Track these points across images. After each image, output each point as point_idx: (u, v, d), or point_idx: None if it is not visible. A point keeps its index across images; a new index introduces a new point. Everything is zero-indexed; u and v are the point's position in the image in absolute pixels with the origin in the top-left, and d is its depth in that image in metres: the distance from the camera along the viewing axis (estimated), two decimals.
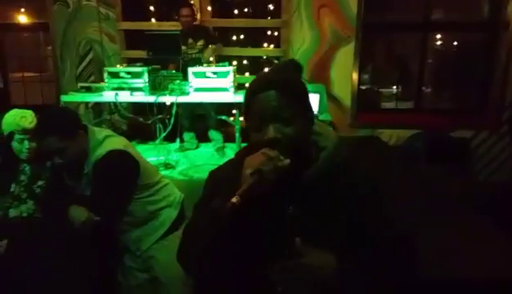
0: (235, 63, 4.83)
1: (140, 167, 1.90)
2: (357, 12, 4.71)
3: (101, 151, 1.82)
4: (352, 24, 4.75)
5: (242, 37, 4.98)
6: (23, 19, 5.78)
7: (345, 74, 4.81)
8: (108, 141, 1.87)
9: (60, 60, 5.11)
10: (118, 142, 1.90)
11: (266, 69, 4.98)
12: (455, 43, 5.35)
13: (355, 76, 4.81)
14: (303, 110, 1.01)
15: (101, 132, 1.91)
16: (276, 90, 0.98)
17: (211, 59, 4.47)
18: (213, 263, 1.01)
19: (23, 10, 5.73)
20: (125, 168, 1.85)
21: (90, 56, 5.05)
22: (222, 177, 1.10)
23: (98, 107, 4.79)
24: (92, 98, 4.06)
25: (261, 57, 4.92)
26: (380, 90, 5.41)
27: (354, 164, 1.10)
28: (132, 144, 2.09)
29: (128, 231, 2.02)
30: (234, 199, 0.86)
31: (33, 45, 6.17)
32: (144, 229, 2.02)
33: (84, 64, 5.07)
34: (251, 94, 1.02)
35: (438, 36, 5.19)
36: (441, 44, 5.29)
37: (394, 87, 5.33)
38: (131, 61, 4.65)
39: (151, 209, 2.01)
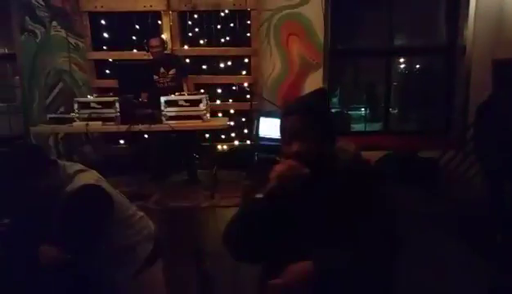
0: (202, 90, 4.86)
1: (113, 201, 1.87)
2: (324, 40, 4.88)
3: (72, 187, 1.78)
4: (320, 51, 4.91)
5: (213, 65, 5.04)
6: None
7: None
8: (79, 176, 1.84)
9: (28, 91, 5.01)
10: (89, 176, 1.87)
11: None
12: (418, 66, 5.60)
13: None
14: (322, 131, 1.24)
15: (71, 167, 1.87)
16: (300, 115, 1.23)
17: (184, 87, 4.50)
18: (248, 245, 1.26)
19: None
20: (98, 203, 1.81)
21: (59, 87, 4.98)
22: (260, 178, 1.32)
23: (69, 138, 4.70)
24: (62, 129, 3.98)
25: (232, 85, 4.99)
26: (349, 112, 5.57)
27: (369, 173, 1.31)
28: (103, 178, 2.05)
29: (102, 268, 1.96)
30: (259, 195, 1.18)
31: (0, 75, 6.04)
32: (119, 264, 1.97)
33: (53, 94, 5.00)
34: (283, 116, 1.28)
35: (402, 60, 5.42)
36: (404, 67, 5.53)
37: (363, 109, 5.50)
38: (102, 91, 4.62)
39: (126, 243, 1.96)
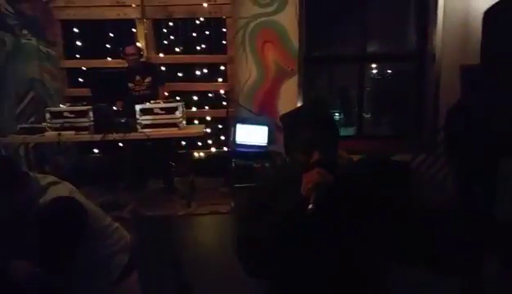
0: (177, 98, 4.84)
1: (87, 214, 1.85)
2: (298, 47, 4.95)
3: (45, 199, 1.75)
4: (295, 58, 4.97)
5: (189, 72, 5.03)
6: None
7: (291, 106, 4.95)
8: (52, 189, 1.80)
9: None
10: (62, 189, 1.83)
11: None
12: (390, 72, 5.73)
13: None
14: (334, 138, 1.31)
15: (44, 179, 1.84)
16: (320, 124, 1.28)
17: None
18: (279, 261, 1.25)
19: None
20: (72, 216, 1.78)
21: (30, 96, 4.87)
22: (271, 191, 1.36)
23: (40, 148, 4.58)
24: (33, 139, 3.88)
25: (209, 92, 4.99)
26: None
27: (361, 175, 1.41)
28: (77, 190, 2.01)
29: (77, 281, 1.92)
30: (310, 206, 1.15)
31: None
32: (94, 277, 1.94)
33: (24, 104, 4.87)
34: (298, 125, 1.29)
35: (374, 66, 5.55)
36: (377, 73, 5.65)
37: (337, 114, 5.58)
38: (75, 99, 4.54)
39: (101, 255, 1.94)
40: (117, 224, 2.09)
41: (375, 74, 5.62)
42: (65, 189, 1.84)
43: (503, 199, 3.90)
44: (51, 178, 1.88)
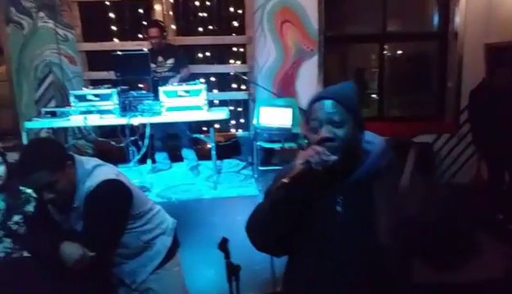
0: (202, 80, 4.80)
1: (133, 196, 1.84)
2: (318, 27, 4.86)
3: (93, 182, 1.73)
4: (315, 38, 4.88)
5: (208, 54, 4.96)
6: None
7: (310, 87, 4.90)
8: (98, 171, 1.79)
9: (16, 85, 4.84)
10: (109, 171, 1.82)
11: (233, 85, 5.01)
12: (412, 52, 5.61)
13: (319, 88, 4.92)
14: (351, 119, 1.22)
15: (89, 162, 1.83)
16: (332, 99, 1.22)
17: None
18: (270, 233, 1.26)
19: None
20: (119, 199, 1.78)
21: (49, 80, 4.83)
22: (285, 172, 1.31)
23: (61, 132, 4.56)
24: (60, 123, 3.86)
25: (228, 74, 4.93)
26: None
27: (397, 167, 1.28)
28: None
29: (122, 264, 1.93)
30: (285, 179, 1.16)
31: None
32: (139, 260, 1.94)
33: (43, 88, 4.85)
34: (312, 102, 1.27)
35: (396, 45, 5.43)
36: (398, 53, 5.54)
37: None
38: (94, 83, 4.50)
39: (146, 239, 1.94)
40: (159, 207, 2.08)
41: (396, 54, 5.51)
42: (111, 171, 1.83)
43: None
44: (95, 160, 1.87)
